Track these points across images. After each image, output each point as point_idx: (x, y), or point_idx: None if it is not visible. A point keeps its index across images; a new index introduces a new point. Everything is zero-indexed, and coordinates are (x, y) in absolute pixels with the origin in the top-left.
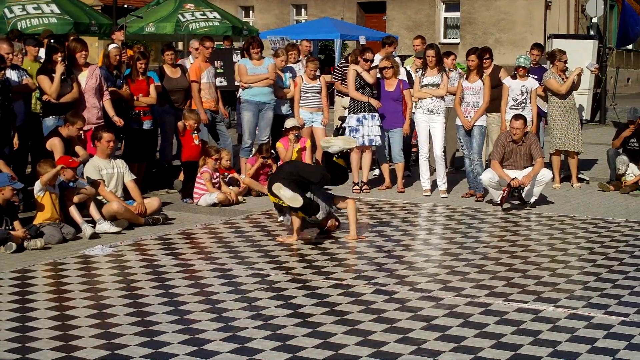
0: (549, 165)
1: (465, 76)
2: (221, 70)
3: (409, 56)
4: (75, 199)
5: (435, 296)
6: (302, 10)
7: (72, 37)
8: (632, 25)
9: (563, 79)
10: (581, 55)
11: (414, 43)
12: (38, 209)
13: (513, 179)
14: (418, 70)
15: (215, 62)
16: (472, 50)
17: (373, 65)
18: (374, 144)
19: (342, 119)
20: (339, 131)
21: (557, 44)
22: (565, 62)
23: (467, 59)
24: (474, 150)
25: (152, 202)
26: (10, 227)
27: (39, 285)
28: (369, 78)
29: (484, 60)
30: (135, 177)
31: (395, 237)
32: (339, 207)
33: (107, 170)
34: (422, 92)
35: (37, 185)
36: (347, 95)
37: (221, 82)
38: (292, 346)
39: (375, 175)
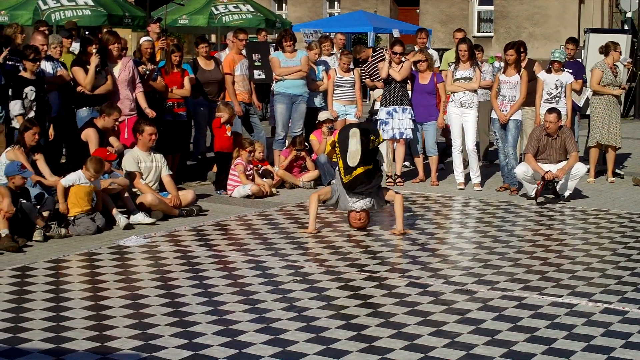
0: (583, 160)
1: (502, 70)
2: (259, 64)
3: (447, 49)
4: (109, 189)
5: (469, 289)
6: (335, 3)
7: (105, 30)
8: None
9: (613, 73)
10: None
11: (455, 36)
12: (69, 198)
13: (547, 172)
14: (451, 64)
15: (253, 55)
16: (510, 44)
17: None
18: (404, 136)
19: (373, 112)
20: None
21: (593, 38)
22: (620, 52)
23: (506, 54)
24: (508, 143)
25: (186, 195)
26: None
27: (73, 276)
28: (397, 75)
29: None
30: (172, 172)
31: (429, 230)
32: (387, 199)
33: (146, 164)
34: (455, 86)
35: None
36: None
37: (260, 75)
38: (325, 338)
39: (405, 166)
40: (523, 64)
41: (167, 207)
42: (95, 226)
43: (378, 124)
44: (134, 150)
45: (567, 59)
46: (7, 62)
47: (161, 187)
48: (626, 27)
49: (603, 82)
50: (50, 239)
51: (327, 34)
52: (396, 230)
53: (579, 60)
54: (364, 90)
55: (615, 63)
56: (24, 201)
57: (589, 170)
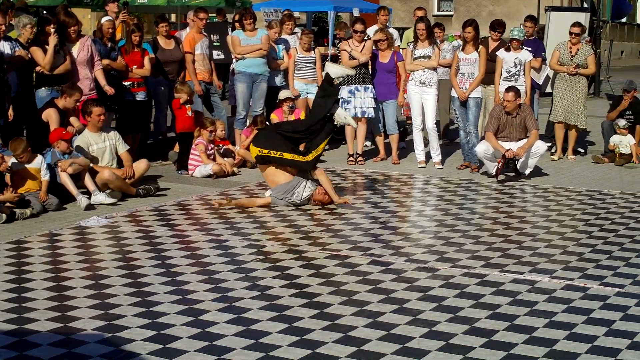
0: (544, 137)
1: (461, 47)
2: (218, 44)
3: (407, 28)
4: (70, 170)
5: (431, 267)
6: None
7: (61, 11)
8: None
9: (571, 52)
10: None
11: (416, 14)
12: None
13: (507, 150)
14: (409, 43)
15: (212, 35)
16: (469, 22)
17: (366, 38)
18: (366, 115)
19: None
20: None
21: (554, 16)
22: (576, 34)
23: (464, 31)
24: (469, 122)
25: (139, 165)
26: None
27: (35, 257)
28: (359, 55)
29: (496, 33)
30: (129, 147)
31: (390, 208)
32: (315, 178)
33: (98, 145)
34: (414, 65)
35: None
36: None
37: (219, 55)
38: (288, 317)
39: (366, 146)
40: (496, 44)
41: (124, 184)
42: (41, 205)
43: (340, 103)
44: (84, 133)
45: (526, 37)
46: None
47: (120, 165)
48: (585, 6)
49: (559, 62)
50: (14, 220)
51: (290, 12)
52: (335, 202)
53: (538, 38)
54: None
55: (575, 44)
56: None
57: (549, 148)
